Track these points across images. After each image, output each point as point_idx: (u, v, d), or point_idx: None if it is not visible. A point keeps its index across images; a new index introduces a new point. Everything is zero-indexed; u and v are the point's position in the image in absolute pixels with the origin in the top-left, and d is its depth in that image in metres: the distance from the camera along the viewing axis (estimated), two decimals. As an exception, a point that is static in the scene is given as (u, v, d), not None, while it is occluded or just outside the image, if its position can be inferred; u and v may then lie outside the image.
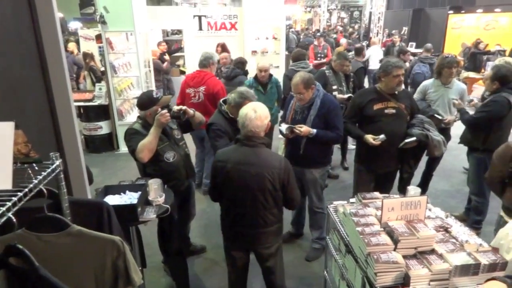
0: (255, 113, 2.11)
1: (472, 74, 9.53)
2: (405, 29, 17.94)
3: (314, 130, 2.97)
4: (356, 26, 21.75)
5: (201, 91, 4.09)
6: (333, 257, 2.28)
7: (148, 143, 2.49)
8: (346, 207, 2.13)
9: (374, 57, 8.97)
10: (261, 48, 8.00)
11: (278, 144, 3.36)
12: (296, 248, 3.58)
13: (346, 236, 2.02)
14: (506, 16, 13.71)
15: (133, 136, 2.57)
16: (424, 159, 4.15)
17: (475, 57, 10.13)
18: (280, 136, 3.20)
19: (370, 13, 19.39)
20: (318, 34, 11.98)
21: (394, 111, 3.07)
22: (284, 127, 3.06)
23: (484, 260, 1.68)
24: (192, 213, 3.17)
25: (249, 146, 2.11)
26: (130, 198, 2.32)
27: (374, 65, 8.57)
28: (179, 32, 8.27)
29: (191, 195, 3.03)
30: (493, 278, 1.25)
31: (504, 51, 9.92)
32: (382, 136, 3.00)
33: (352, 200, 2.30)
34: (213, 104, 3.89)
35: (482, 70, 9.47)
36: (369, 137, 3.03)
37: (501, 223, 2.40)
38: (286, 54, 8.82)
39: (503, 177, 2.47)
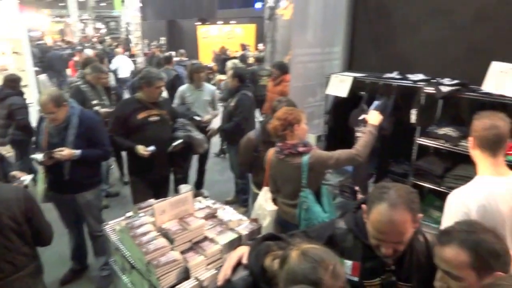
0: None
1: (222, 76, 11.12)
2: (162, 39, 18.88)
3: (78, 151, 2.76)
4: (120, 37, 21.20)
5: None
6: (121, 279, 2.18)
7: None
8: (121, 223, 2.08)
9: (123, 66, 9.29)
10: (-2, 65, 6.63)
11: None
12: (85, 283, 3.24)
13: (127, 253, 1.98)
14: (240, 27, 16.60)
15: None
16: (196, 157, 4.62)
17: (223, 62, 11.82)
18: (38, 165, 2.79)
19: (127, 24, 19.31)
20: (80, 47, 11.03)
21: (158, 118, 3.19)
22: (38, 156, 2.68)
23: (245, 231, 2.01)
24: None
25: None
26: None
27: (123, 73, 8.97)
28: None
29: None
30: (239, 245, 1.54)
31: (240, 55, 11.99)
32: (152, 147, 3.09)
33: (128, 214, 2.26)
34: None
35: (230, 73, 11.25)
36: (140, 148, 3.07)
37: (253, 196, 2.94)
38: (36, 70, 7.71)
39: (251, 162, 3.07)
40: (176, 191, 3.44)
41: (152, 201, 2.33)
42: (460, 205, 1.70)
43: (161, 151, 3.19)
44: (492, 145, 1.73)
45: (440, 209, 3.06)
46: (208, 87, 4.56)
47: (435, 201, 3.18)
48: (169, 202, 1.97)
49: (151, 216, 2.09)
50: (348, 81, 3.25)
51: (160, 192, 3.24)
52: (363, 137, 2.46)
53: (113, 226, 2.19)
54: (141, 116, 3.13)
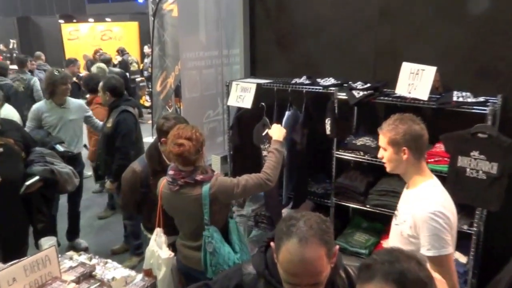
0: None
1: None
2: (14, 42, 17.43)
3: None
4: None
5: None
6: None
7: None
8: None
9: None
10: None
11: None
12: None
13: None
14: (118, 25, 16.12)
15: None
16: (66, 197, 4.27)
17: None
18: None
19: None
20: None
21: (1, 149, 2.89)
22: None
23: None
24: None
25: None
26: None
27: None
28: None
29: None
30: None
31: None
32: None
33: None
34: None
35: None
36: None
37: (147, 241, 2.80)
38: None
39: (137, 201, 2.95)
40: (37, 247, 3.12)
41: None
42: (443, 218, 1.88)
43: (12, 194, 2.89)
44: (425, 149, 2.06)
45: (369, 231, 3.31)
46: (75, 103, 4.32)
47: (362, 222, 3.39)
48: (22, 265, 1.76)
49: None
50: (252, 89, 3.32)
51: (12, 250, 2.89)
52: (269, 158, 2.51)
53: None
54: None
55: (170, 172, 2.38)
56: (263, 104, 3.30)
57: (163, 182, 2.48)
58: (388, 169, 2.11)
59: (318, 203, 3.37)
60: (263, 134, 3.23)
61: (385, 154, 2.06)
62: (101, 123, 4.55)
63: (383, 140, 2.06)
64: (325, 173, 3.37)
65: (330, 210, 3.25)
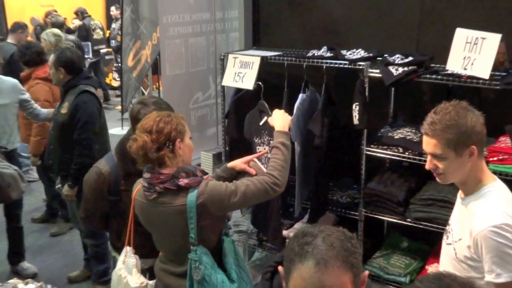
0: None
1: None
2: None
3: None
4: None
5: None
6: None
7: None
8: None
9: None
10: None
11: None
12: None
13: None
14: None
15: None
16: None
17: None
18: None
19: None
20: None
21: None
22: None
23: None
24: None
25: None
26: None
27: None
28: None
29: None
30: None
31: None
32: None
33: None
34: None
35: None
36: None
37: (115, 265, 2.83)
38: None
39: (103, 212, 2.96)
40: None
41: None
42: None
43: None
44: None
45: (410, 252, 3.29)
46: (7, 82, 4.37)
47: (401, 241, 3.39)
48: None
49: None
50: (255, 64, 3.30)
51: None
52: (274, 155, 2.49)
53: None
54: None
55: (146, 175, 2.38)
56: (260, 83, 3.28)
57: (138, 188, 2.48)
58: (443, 181, 2.10)
59: (343, 216, 3.36)
60: (261, 123, 3.21)
61: (442, 164, 2.03)
62: (45, 110, 4.55)
63: (433, 144, 2.02)
64: (351, 176, 3.37)
65: (358, 225, 3.24)
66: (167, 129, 2.33)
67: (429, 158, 2.07)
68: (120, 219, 2.85)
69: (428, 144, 2.04)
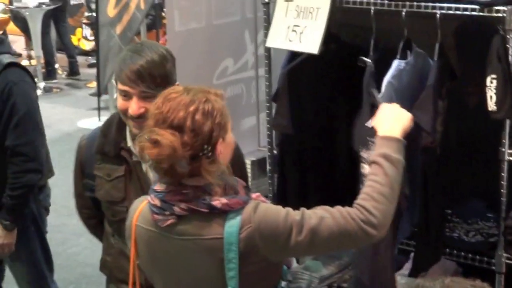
0: None
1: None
2: None
3: None
4: None
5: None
6: None
7: None
8: None
9: None
10: None
11: None
12: None
13: None
14: None
15: None
16: None
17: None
18: None
19: None
20: None
21: None
22: None
23: None
24: None
25: None
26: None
27: None
28: None
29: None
30: None
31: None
32: None
33: None
34: None
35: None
36: None
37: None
38: None
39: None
40: None
41: None
42: None
43: None
44: None
45: None
46: None
47: None
48: None
49: None
50: (322, 11, 3.32)
51: None
52: (371, 177, 2.46)
53: None
54: None
55: (159, 186, 2.36)
56: (364, 58, 3.27)
57: (140, 208, 2.48)
58: None
59: (469, 264, 3.37)
60: (369, 124, 3.16)
61: None
62: None
63: None
64: (484, 198, 3.35)
65: (496, 279, 3.25)
66: (208, 126, 2.25)
67: None
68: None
69: None
